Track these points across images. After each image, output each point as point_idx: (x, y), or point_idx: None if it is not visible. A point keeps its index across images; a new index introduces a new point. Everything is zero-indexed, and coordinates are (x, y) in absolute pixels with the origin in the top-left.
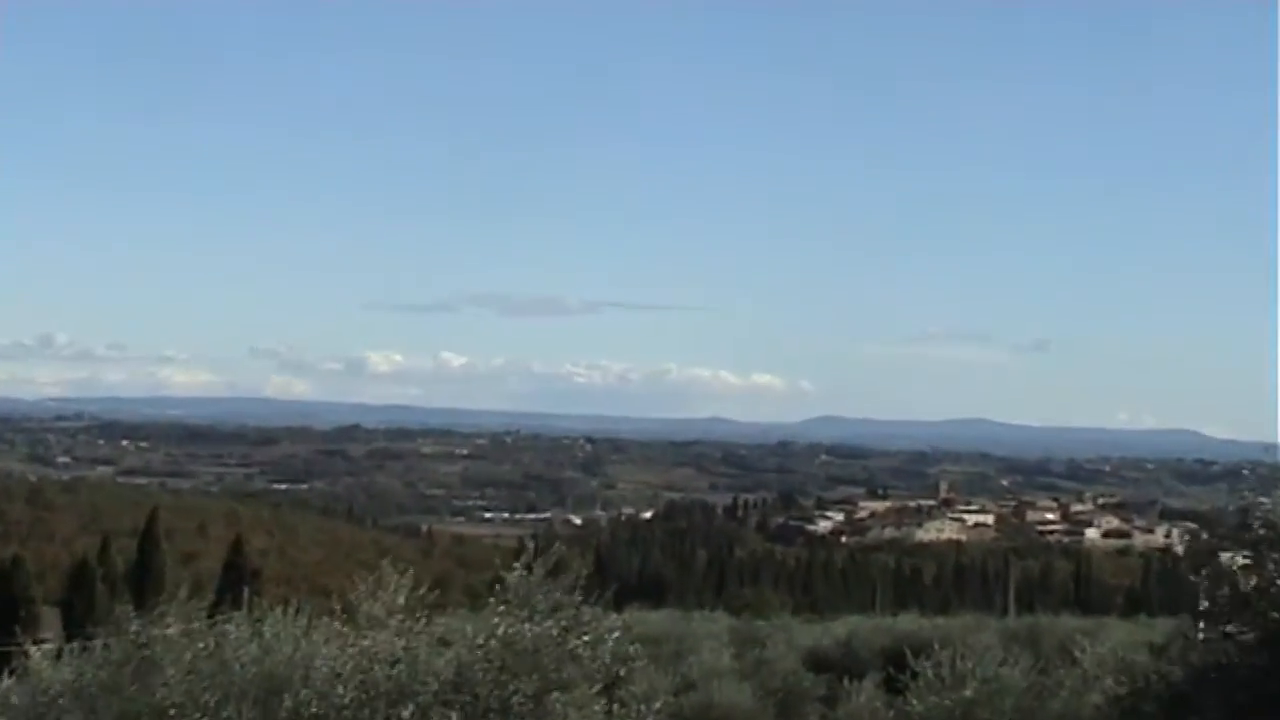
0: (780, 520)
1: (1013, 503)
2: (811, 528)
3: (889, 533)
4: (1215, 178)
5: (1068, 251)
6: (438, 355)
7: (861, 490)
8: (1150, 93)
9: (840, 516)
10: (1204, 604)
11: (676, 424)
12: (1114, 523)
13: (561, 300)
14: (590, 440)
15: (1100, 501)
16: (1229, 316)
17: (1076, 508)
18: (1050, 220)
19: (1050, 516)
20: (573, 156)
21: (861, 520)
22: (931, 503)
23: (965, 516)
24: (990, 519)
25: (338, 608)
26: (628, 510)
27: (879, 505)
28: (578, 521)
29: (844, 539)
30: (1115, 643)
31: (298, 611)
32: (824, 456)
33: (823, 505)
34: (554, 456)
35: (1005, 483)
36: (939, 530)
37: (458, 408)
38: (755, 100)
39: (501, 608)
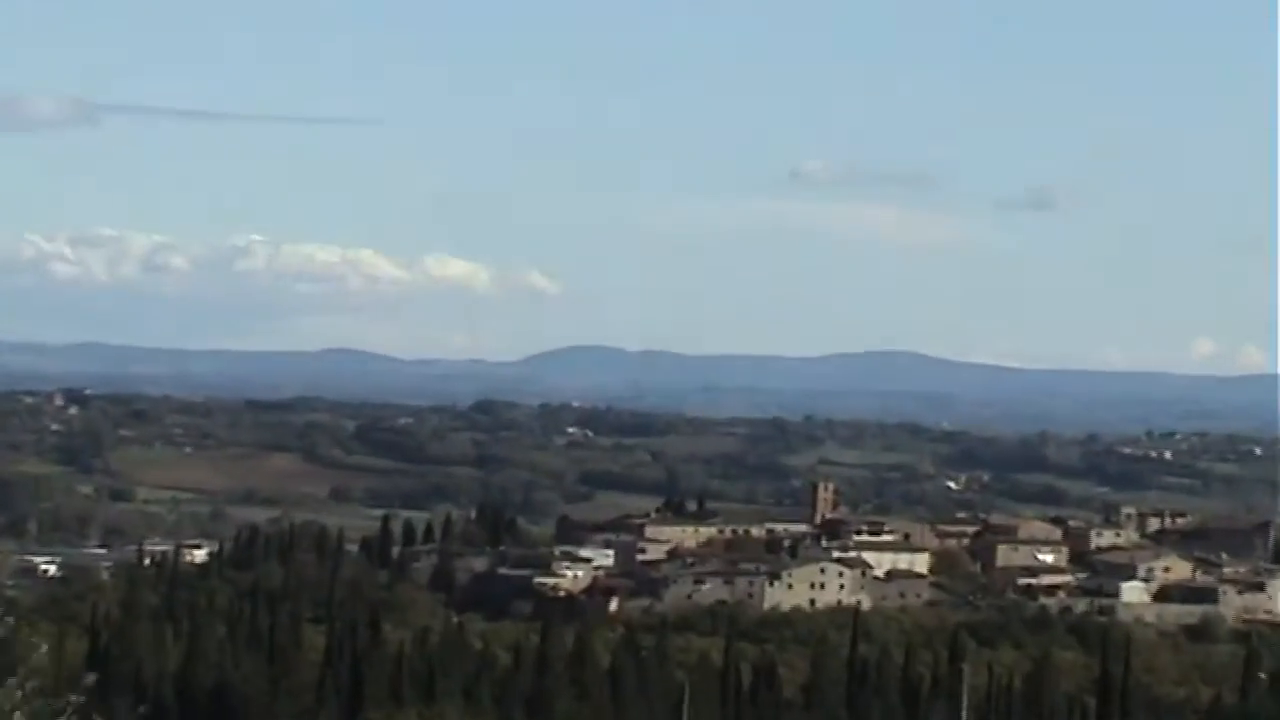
0: (482, 565)
1: (970, 528)
2: (547, 581)
3: (711, 591)
4: None
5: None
6: None
7: (654, 502)
8: None
9: (608, 558)
10: None
11: (261, 361)
12: (1182, 570)
13: (25, 103)
14: (76, 397)
15: (1156, 525)
16: None
17: (1104, 539)
18: None
19: (1046, 558)
20: None
21: (653, 566)
22: (801, 527)
23: (870, 556)
24: (923, 561)
25: None
26: (156, 545)
27: (690, 532)
28: (50, 569)
29: (614, 604)
30: None
31: None
32: (574, 430)
33: (571, 533)
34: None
35: (953, 485)
36: (815, 585)
37: None
38: None
39: None
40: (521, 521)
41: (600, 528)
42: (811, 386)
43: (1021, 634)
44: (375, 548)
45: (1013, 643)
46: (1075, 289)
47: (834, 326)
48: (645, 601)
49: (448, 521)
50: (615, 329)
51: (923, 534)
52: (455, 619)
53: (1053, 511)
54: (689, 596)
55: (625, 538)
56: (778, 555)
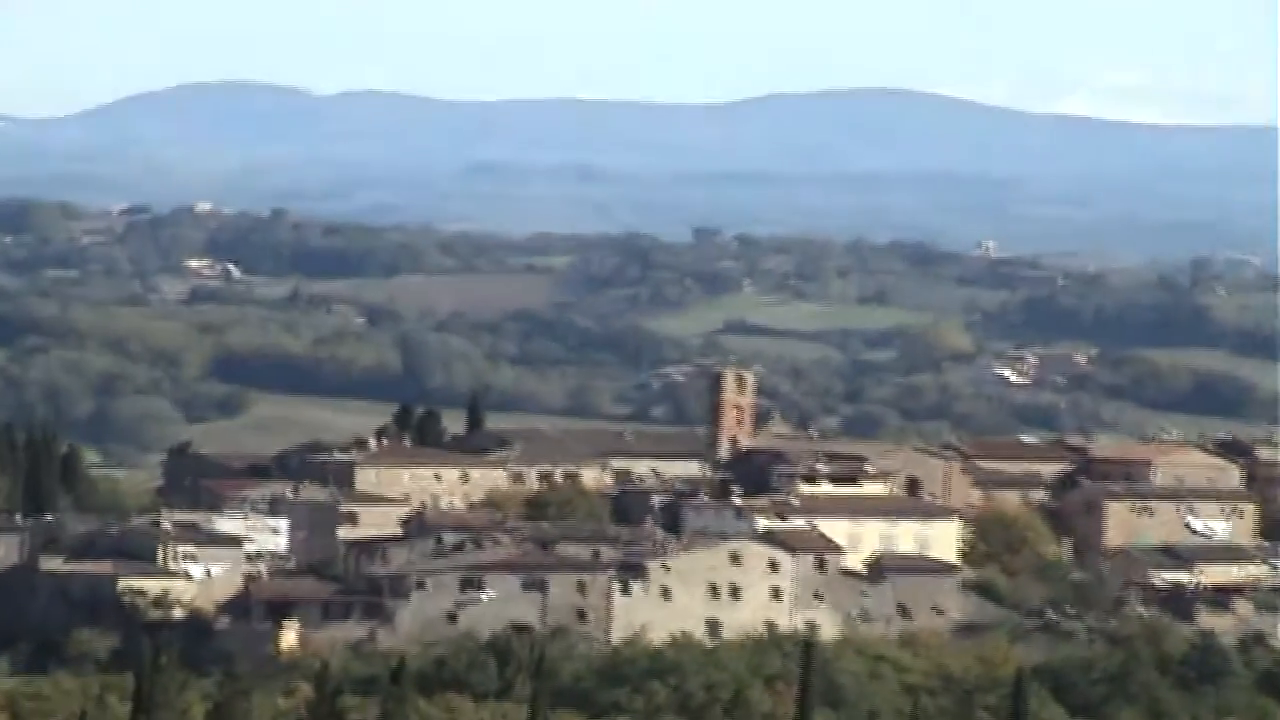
0: (6, 554)
1: (1050, 465)
2: (145, 587)
3: (497, 607)
4: None
5: None
6: None
7: (376, 415)
8: None
9: (278, 536)
10: None
11: None
12: None
13: None
14: None
15: None
16: None
17: None
18: None
19: (1213, 528)
20: None
21: (373, 552)
22: (688, 466)
23: (838, 527)
24: (948, 537)
25: None
26: None
27: (452, 479)
28: None
29: (292, 634)
30: None
31: None
32: (202, 263)
33: (197, 485)
34: None
35: (1011, 374)
36: (720, 589)
37: None
38: None
39: None
40: (91, 459)
41: (258, 471)
42: (709, 166)
43: (1161, 690)
44: None
45: (1145, 709)
46: None
47: (760, 47)
48: (359, 628)
49: None
50: (288, 56)
51: (948, 479)
52: None
53: (1223, 428)
54: (451, 617)
55: (314, 493)
56: (639, 527)
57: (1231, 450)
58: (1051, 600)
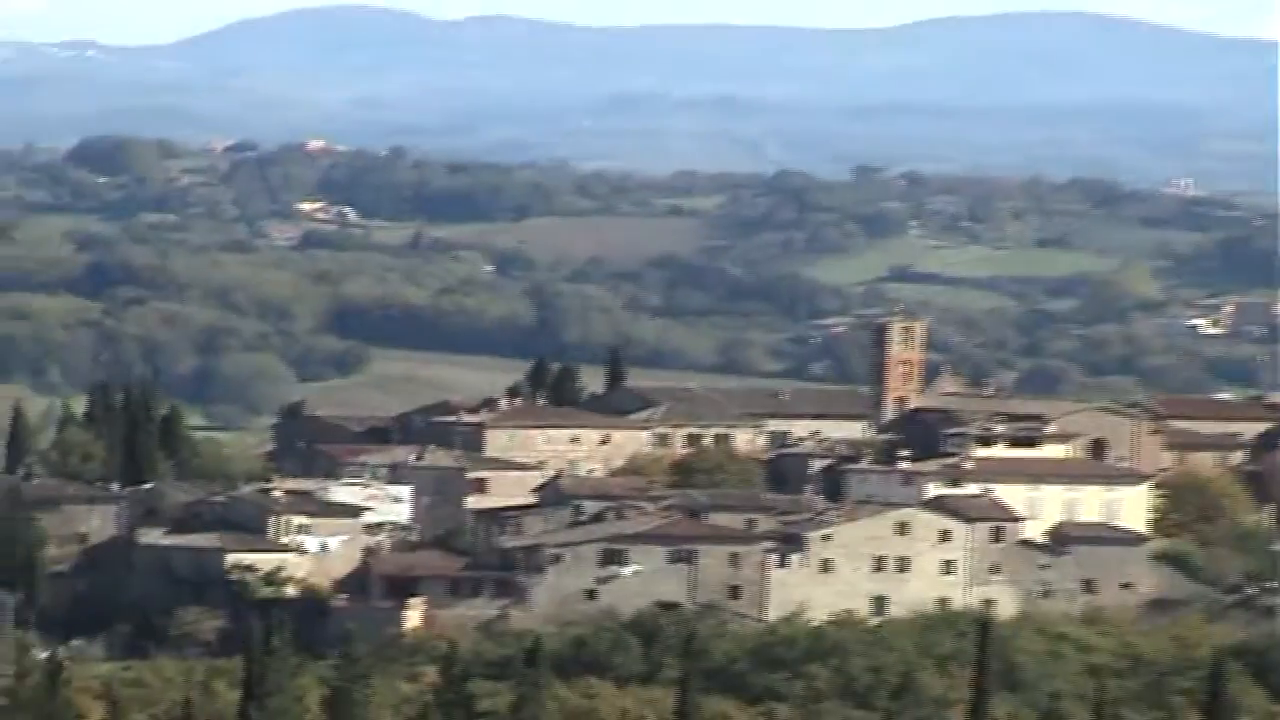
0: (102, 526)
1: (1253, 423)
2: (256, 561)
3: (644, 582)
4: None
5: None
6: None
7: (508, 372)
8: None
9: (400, 506)
10: None
11: None
12: None
13: None
14: None
15: None
16: None
17: None
18: None
19: None
20: None
21: (506, 523)
22: (850, 428)
23: (1015, 493)
24: (1137, 504)
25: None
26: None
27: (592, 442)
28: None
29: (417, 613)
30: None
31: None
32: (314, 205)
33: (311, 449)
34: None
35: (1206, 323)
36: (886, 562)
37: None
38: None
39: None
40: (194, 421)
41: (378, 434)
42: (872, 98)
43: None
44: None
45: None
46: None
47: None
48: (489, 606)
49: (17, 423)
50: None
51: (1137, 440)
52: (40, 651)
53: None
54: (590, 594)
55: (439, 458)
56: (797, 495)
57: None
58: (1251, 573)
